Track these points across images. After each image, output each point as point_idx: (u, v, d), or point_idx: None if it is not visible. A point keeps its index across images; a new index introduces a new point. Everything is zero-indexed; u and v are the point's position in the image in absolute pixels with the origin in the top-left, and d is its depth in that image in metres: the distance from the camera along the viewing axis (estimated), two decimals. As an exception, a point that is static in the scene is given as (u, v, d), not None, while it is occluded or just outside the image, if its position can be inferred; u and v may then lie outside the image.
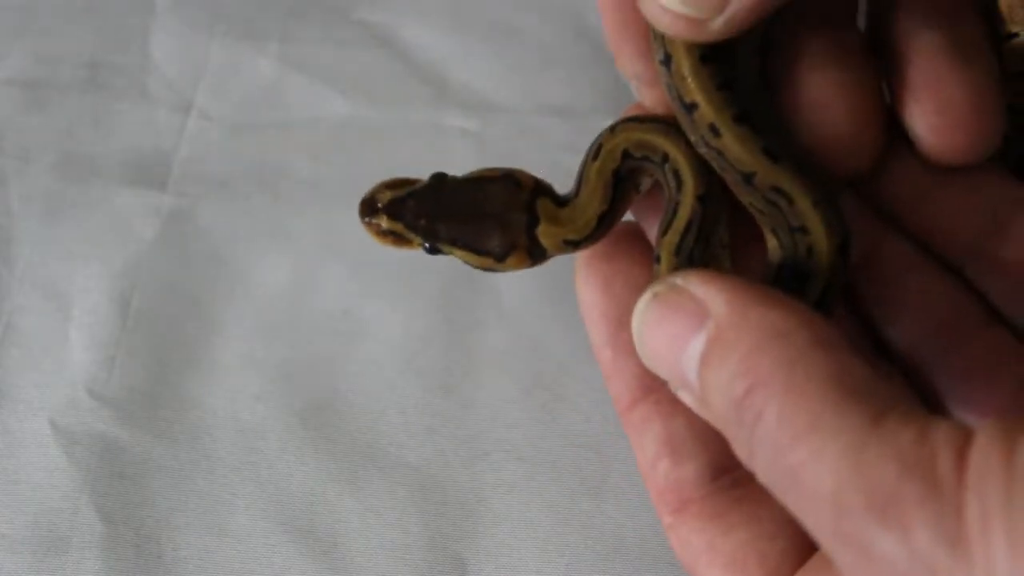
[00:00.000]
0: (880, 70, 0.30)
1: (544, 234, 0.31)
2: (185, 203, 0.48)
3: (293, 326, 0.44)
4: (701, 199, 0.29)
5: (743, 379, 0.23)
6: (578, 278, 0.33)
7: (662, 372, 0.26)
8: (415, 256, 0.46)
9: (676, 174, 0.30)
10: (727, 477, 0.30)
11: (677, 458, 0.31)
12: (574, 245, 0.32)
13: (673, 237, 0.29)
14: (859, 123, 0.29)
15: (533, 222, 0.31)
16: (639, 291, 0.27)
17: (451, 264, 0.45)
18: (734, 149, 0.28)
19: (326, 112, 0.51)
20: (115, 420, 0.42)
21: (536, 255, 0.32)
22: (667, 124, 0.30)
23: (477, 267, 0.32)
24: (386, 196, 0.32)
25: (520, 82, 0.51)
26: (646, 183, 0.32)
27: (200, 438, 0.42)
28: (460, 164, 0.49)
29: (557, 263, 0.34)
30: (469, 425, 0.42)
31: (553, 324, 0.43)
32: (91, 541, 0.39)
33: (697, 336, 0.25)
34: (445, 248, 0.32)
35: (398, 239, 0.32)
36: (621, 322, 0.33)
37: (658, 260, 0.30)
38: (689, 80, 0.28)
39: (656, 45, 0.29)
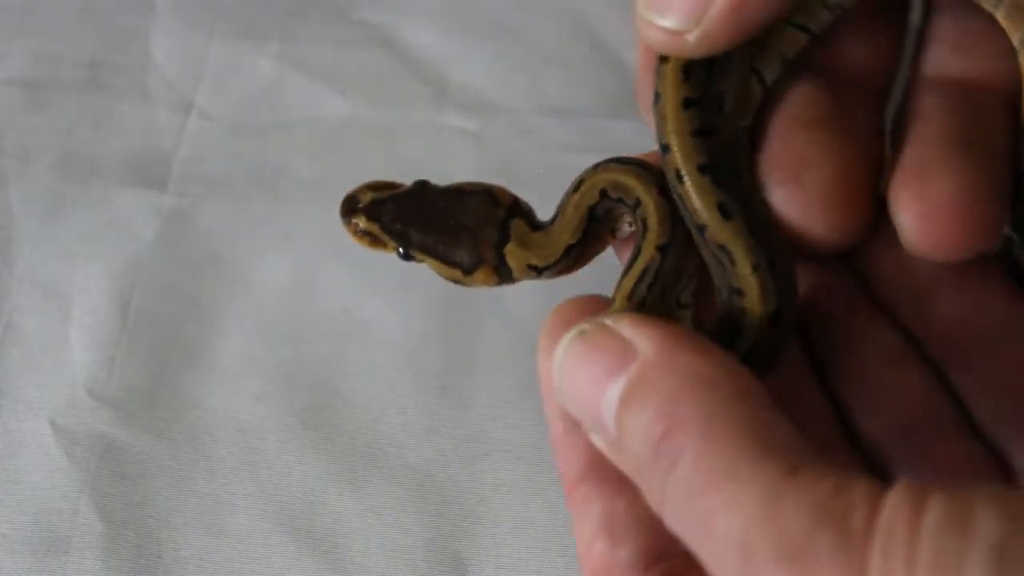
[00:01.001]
0: (881, 145, 0.29)
1: (511, 254, 0.31)
2: (185, 203, 0.48)
3: (293, 326, 0.44)
4: (661, 249, 0.29)
5: (663, 421, 0.23)
6: (540, 348, 0.32)
7: (578, 411, 0.26)
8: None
9: (644, 221, 0.30)
10: (663, 565, 0.29)
11: (614, 540, 0.29)
12: (537, 271, 0.32)
13: (628, 282, 0.29)
14: (843, 191, 0.28)
15: (503, 240, 0.31)
16: None
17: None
18: (691, 199, 0.28)
19: (326, 112, 0.51)
20: (115, 420, 0.42)
21: (503, 274, 0.32)
22: (646, 169, 0.30)
23: (446, 278, 0.32)
24: (367, 197, 0.32)
25: (520, 82, 0.51)
26: (624, 229, 0.32)
27: (200, 438, 0.42)
28: (460, 164, 0.50)
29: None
30: (469, 425, 0.42)
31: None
32: (91, 541, 0.39)
33: (620, 377, 0.24)
34: (417, 255, 0.32)
35: (374, 240, 0.33)
36: None
37: (613, 301, 0.30)
38: (668, 122, 0.28)
39: (655, 85, 0.29)
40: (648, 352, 0.24)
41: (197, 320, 0.45)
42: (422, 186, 0.32)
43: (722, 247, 0.27)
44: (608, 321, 0.26)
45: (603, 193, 0.30)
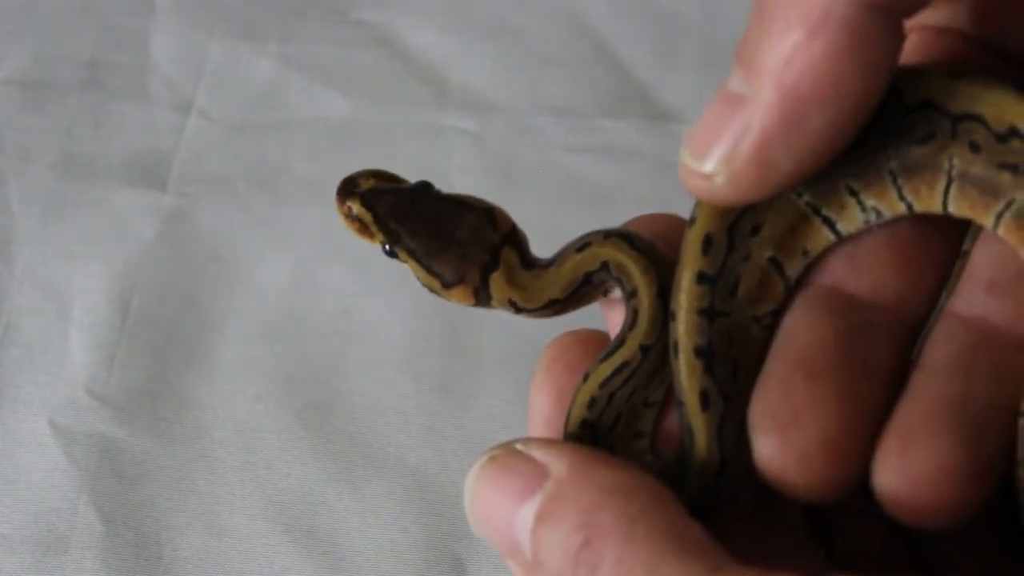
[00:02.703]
0: (888, 394, 0.27)
1: (496, 283, 0.31)
2: (185, 203, 0.48)
3: (293, 326, 0.44)
4: (644, 349, 0.29)
5: (581, 532, 0.23)
6: (534, 383, 0.31)
7: (491, 537, 0.26)
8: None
9: (635, 312, 0.29)
10: None
11: None
12: (515, 309, 0.31)
13: (605, 369, 0.29)
14: (828, 454, 0.26)
15: (492, 266, 0.31)
16: None
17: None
18: (680, 375, 0.27)
19: (326, 112, 0.51)
20: (115, 420, 0.42)
21: (481, 298, 0.31)
22: (653, 262, 0.29)
23: (423, 284, 0.32)
24: (367, 183, 0.32)
25: (520, 82, 0.51)
26: (615, 294, 0.31)
27: (199, 438, 0.42)
28: (460, 164, 0.50)
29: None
30: (468, 425, 0.42)
31: (553, 324, 0.43)
32: (91, 541, 0.39)
33: (533, 498, 0.25)
34: (402, 255, 0.31)
35: (363, 228, 0.32)
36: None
37: (585, 379, 0.29)
38: (680, 293, 0.27)
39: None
40: (561, 470, 0.25)
41: (197, 320, 0.45)
42: (424, 187, 0.32)
43: (690, 430, 0.28)
44: (518, 445, 0.26)
45: (604, 265, 0.30)
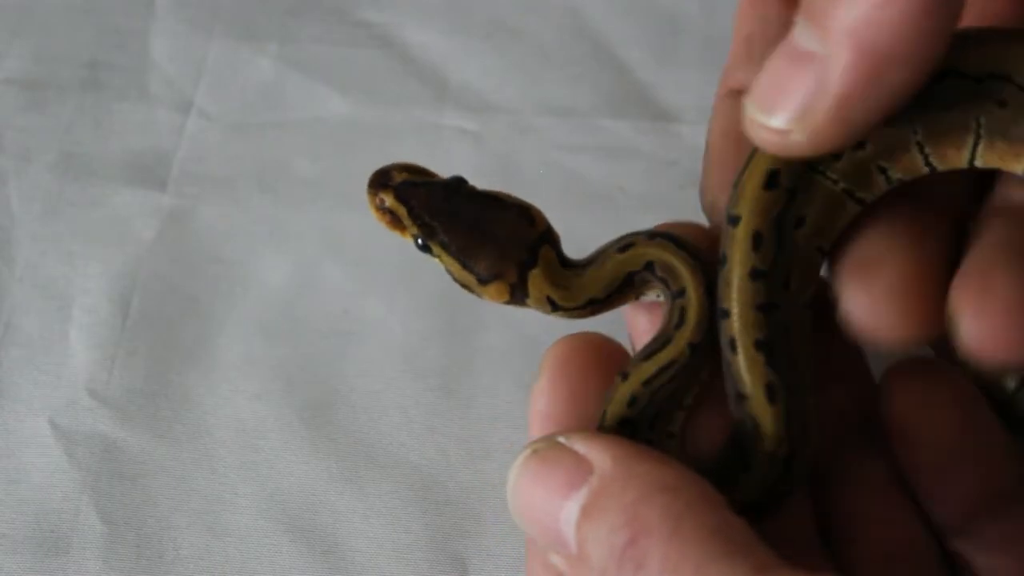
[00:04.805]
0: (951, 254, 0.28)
1: (535, 281, 0.31)
2: (185, 203, 0.48)
3: (293, 326, 0.44)
4: (692, 347, 0.29)
5: (627, 529, 0.23)
6: (542, 382, 0.31)
7: (535, 529, 0.26)
8: (416, 255, 0.46)
9: (683, 312, 0.29)
10: None
11: None
12: (553, 307, 0.31)
13: (650, 367, 0.29)
14: (911, 288, 0.27)
15: (530, 263, 0.30)
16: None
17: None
18: (740, 371, 0.28)
19: (326, 112, 0.51)
20: (115, 420, 0.42)
21: (516, 296, 0.31)
22: (699, 262, 0.30)
23: (456, 280, 0.31)
24: (401, 176, 0.31)
25: (520, 82, 0.51)
26: (650, 297, 0.31)
27: (200, 438, 0.42)
28: (460, 164, 0.50)
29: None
30: (470, 425, 0.42)
31: (553, 324, 0.43)
32: (92, 541, 0.39)
33: (578, 492, 0.25)
34: (435, 249, 0.31)
35: (395, 221, 0.31)
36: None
37: (624, 377, 0.29)
38: (732, 290, 0.28)
39: (722, 245, 0.28)
40: (606, 465, 0.25)
41: (197, 320, 0.45)
42: (459, 182, 0.31)
43: (754, 421, 0.28)
44: (560, 438, 0.26)
45: (648, 265, 0.30)
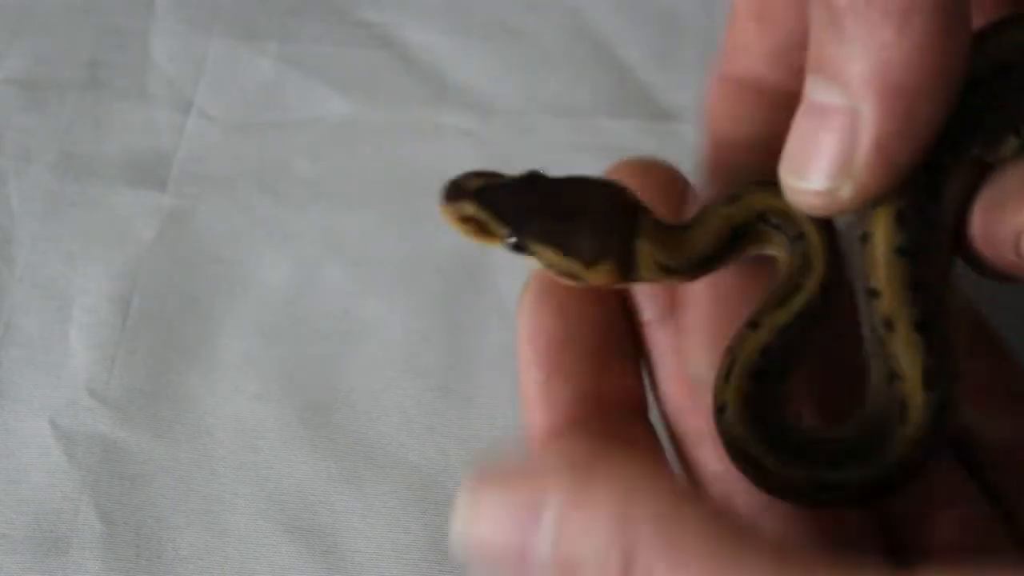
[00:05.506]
0: None
1: (642, 249, 0.28)
2: (185, 203, 0.48)
3: (293, 326, 0.44)
4: (824, 288, 0.28)
5: (619, 543, 0.21)
6: (528, 297, 0.30)
7: (507, 570, 0.22)
8: (415, 255, 0.46)
9: (804, 255, 0.28)
10: None
11: None
12: (667, 272, 0.29)
13: (783, 315, 0.28)
14: None
15: (632, 234, 0.29)
16: (594, 326, 0.27)
17: (452, 264, 0.45)
18: (898, 351, 0.26)
19: (326, 112, 0.51)
20: (115, 420, 0.42)
21: (626, 270, 0.29)
22: None
23: (560, 273, 0.29)
24: (476, 182, 0.30)
25: (520, 82, 0.51)
26: (751, 252, 0.30)
27: (200, 438, 0.42)
28: (460, 164, 0.49)
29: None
30: (470, 425, 0.42)
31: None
32: (91, 541, 0.39)
33: (545, 510, 0.21)
34: (531, 244, 0.29)
35: (480, 228, 0.29)
36: (563, 345, 0.30)
37: (754, 327, 0.28)
38: (880, 268, 0.26)
39: (860, 224, 0.27)
40: (560, 485, 0.22)
41: (197, 320, 0.45)
42: (535, 175, 0.30)
43: (904, 402, 0.26)
44: (498, 460, 0.23)
45: (761, 215, 0.29)
